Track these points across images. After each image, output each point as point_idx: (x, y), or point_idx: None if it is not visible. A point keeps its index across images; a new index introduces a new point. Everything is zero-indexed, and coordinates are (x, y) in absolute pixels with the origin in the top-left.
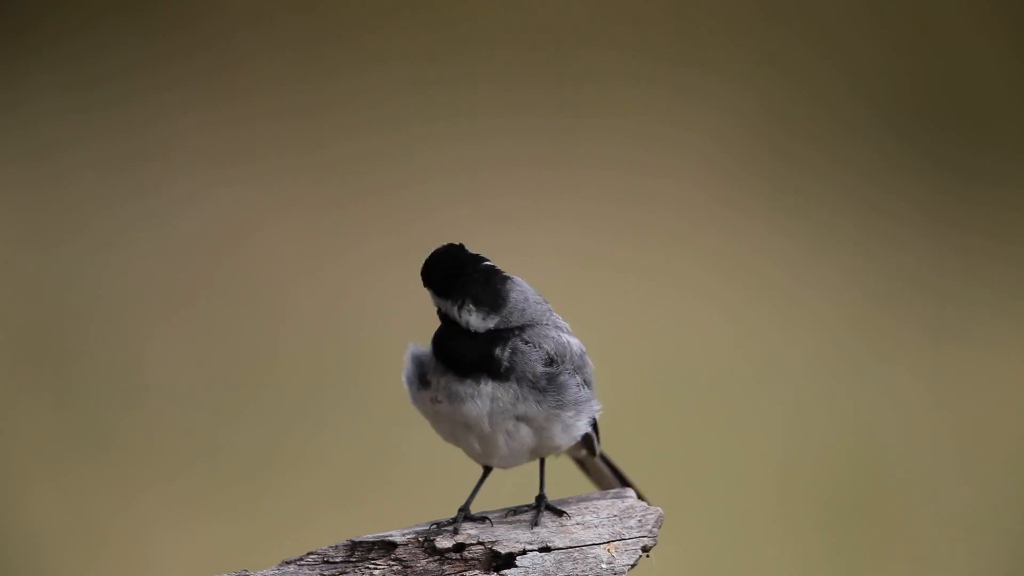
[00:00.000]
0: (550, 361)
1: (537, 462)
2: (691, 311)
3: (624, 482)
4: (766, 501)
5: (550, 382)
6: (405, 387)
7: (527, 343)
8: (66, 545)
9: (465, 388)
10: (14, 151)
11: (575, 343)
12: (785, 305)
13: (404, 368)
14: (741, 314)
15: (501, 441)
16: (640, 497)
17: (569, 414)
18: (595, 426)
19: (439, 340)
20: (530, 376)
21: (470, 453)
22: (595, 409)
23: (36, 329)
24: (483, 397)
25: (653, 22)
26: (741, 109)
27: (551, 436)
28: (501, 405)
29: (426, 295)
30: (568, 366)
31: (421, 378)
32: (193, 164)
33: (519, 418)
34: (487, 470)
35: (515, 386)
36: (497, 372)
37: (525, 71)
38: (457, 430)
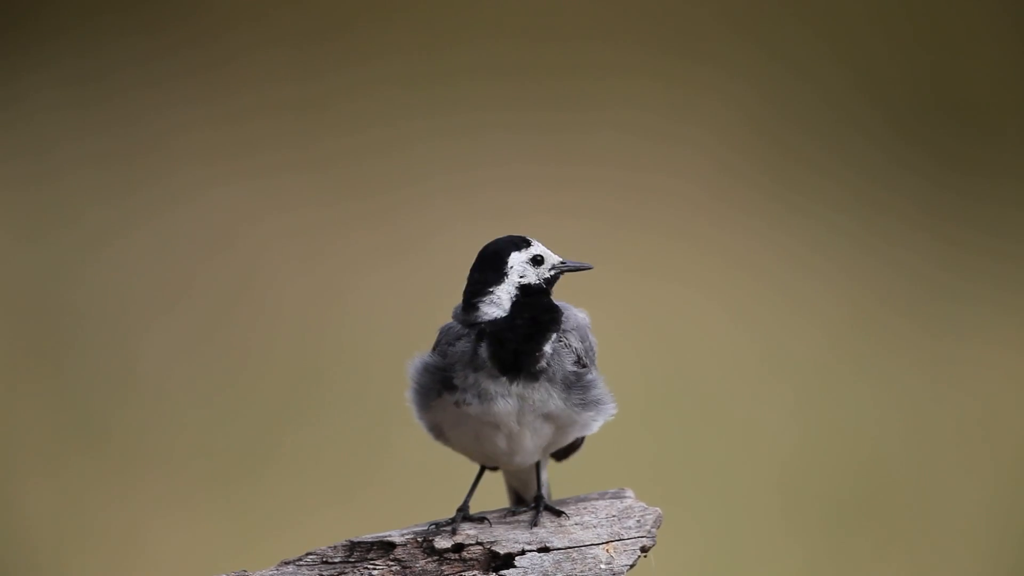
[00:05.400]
0: (579, 361)
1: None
2: (691, 306)
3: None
4: (767, 499)
5: (577, 379)
6: (409, 403)
7: (561, 343)
8: (61, 541)
9: (496, 387)
10: (10, 146)
11: (592, 339)
12: (785, 300)
13: (411, 379)
14: (741, 309)
15: (528, 438)
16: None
17: (590, 414)
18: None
19: (499, 329)
20: (560, 376)
21: (489, 454)
22: (611, 412)
23: (31, 324)
24: (512, 396)
25: (652, 14)
26: (741, 103)
27: (567, 436)
28: (531, 403)
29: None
30: (593, 367)
31: (444, 383)
32: (188, 159)
33: (546, 416)
34: (483, 469)
35: (545, 385)
36: (532, 371)
37: (522, 65)
38: (484, 430)
